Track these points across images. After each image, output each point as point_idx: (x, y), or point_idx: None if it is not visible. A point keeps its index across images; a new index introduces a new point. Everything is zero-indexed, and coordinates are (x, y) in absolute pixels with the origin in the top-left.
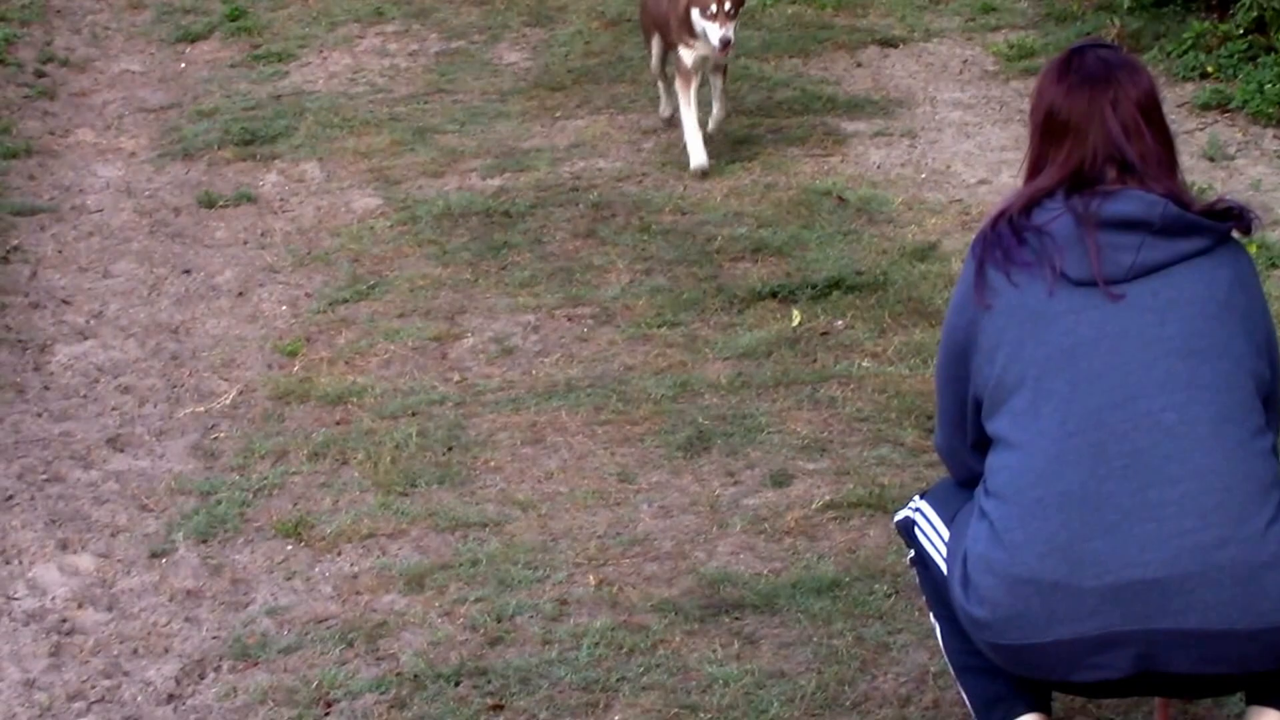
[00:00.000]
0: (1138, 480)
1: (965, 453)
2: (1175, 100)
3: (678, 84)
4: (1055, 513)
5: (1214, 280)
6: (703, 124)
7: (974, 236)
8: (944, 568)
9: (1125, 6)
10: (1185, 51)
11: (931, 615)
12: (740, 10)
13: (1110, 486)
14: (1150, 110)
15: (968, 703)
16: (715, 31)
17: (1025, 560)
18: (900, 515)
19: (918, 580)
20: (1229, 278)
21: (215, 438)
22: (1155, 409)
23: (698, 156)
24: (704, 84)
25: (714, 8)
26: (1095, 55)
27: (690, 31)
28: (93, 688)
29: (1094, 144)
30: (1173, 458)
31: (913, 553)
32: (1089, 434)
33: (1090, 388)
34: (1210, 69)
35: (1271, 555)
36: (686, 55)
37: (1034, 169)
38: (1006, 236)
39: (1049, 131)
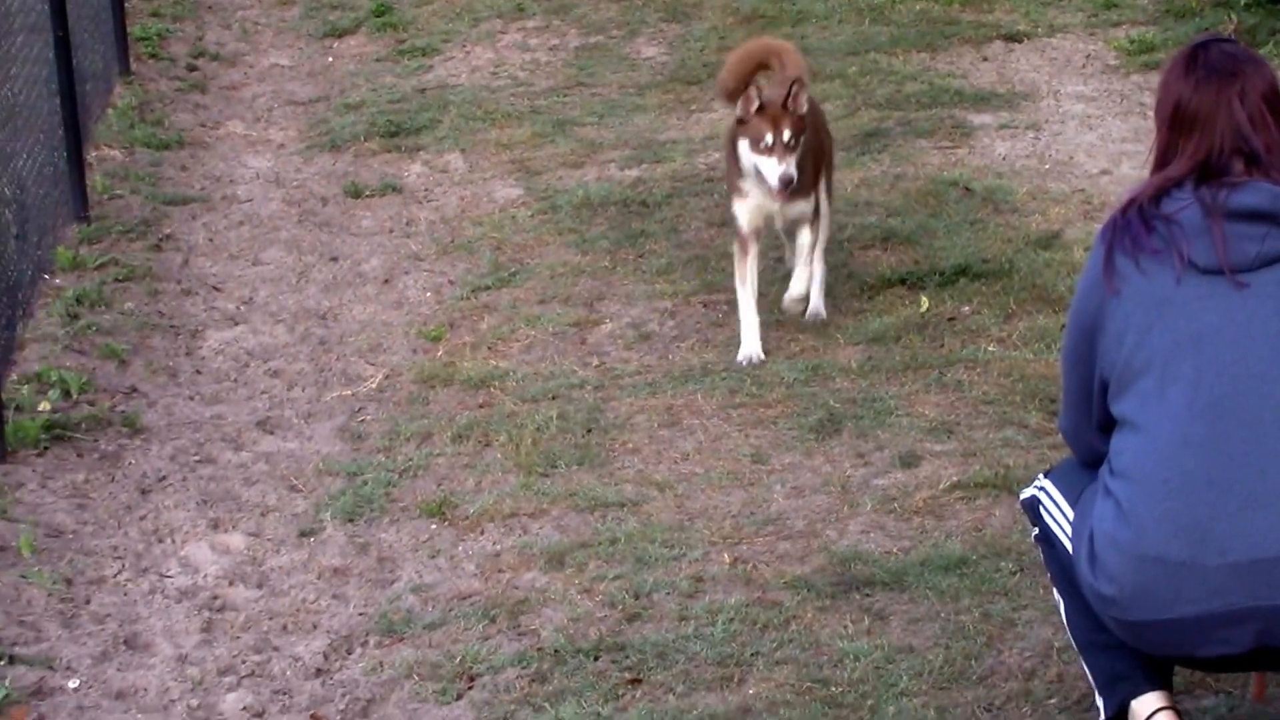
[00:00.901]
0: (1261, 464)
1: (1089, 434)
2: None
3: (735, 250)
4: (1181, 494)
5: None
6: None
7: (1103, 224)
8: (1069, 546)
9: (1242, 3)
10: None
11: (1056, 592)
12: (802, 139)
13: (1234, 470)
14: (1275, 103)
15: (1091, 679)
16: (773, 169)
17: (1152, 539)
18: (1025, 494)
19: (1042, 558)
20: None
21: (362, 420)
22: (1278, 395)
23: (748, 345)
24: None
25: (769, 137)
26: (1219, 49)
27: (740, 174)
28: (243, 663)
29: (1221, 135)
30: None
31: (1037, 530)
32: (1214, 418)
33: (1216, 373)
34: None
35: None
36: (741, 210)
37: (1161, 160)
38: (1136, 224)
39: (1177, 123)
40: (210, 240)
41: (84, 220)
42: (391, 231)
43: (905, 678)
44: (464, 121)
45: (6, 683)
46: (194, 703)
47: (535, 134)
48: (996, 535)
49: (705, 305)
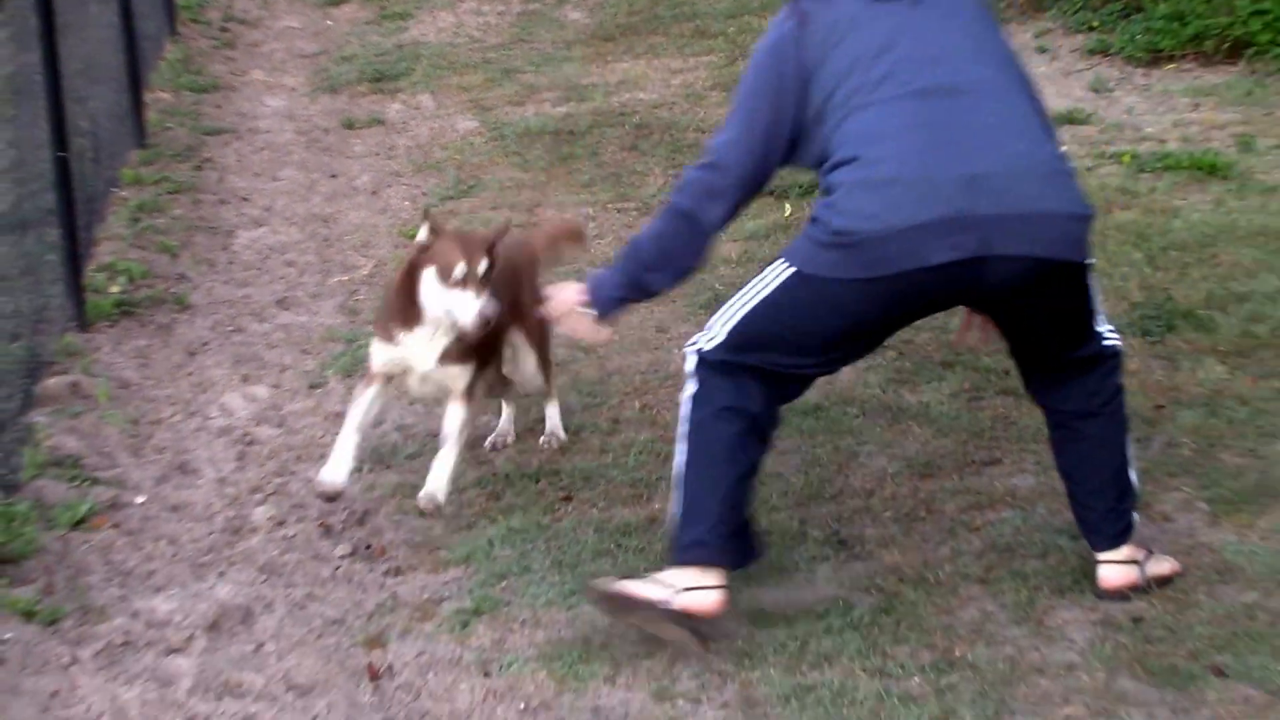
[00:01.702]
0: (968, 116)
1: (744, 154)
2: (1069, 47)
3: (359, 386)
4: (908, 138)
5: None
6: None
7: None
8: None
9: None
10: (1077, 10)
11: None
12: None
13: (947, 119)
14: None
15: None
16: (468, 305)
17: (888, 168)
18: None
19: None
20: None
21: (356, 299)
22: (968, 66)
23: (327, 471)
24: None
25: (461, 266)
26: None
27: (402, 315)
28: (268, 484)
29: None
30: (990, 98)
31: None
32: (922, 88)
33: (912, 58)
34: (1095, 24)
35: (1067, 169)
36: (379, 354)
37: None
38: None
39: None
40: (239, 162)
41: (143, 147)
42: (377, 155)
43: (775, 496)
44: (432, 70)
45: (90, 498)
46: (230, 514)
47: (487, 79)
48: (844, 387)
49: (619, 211)
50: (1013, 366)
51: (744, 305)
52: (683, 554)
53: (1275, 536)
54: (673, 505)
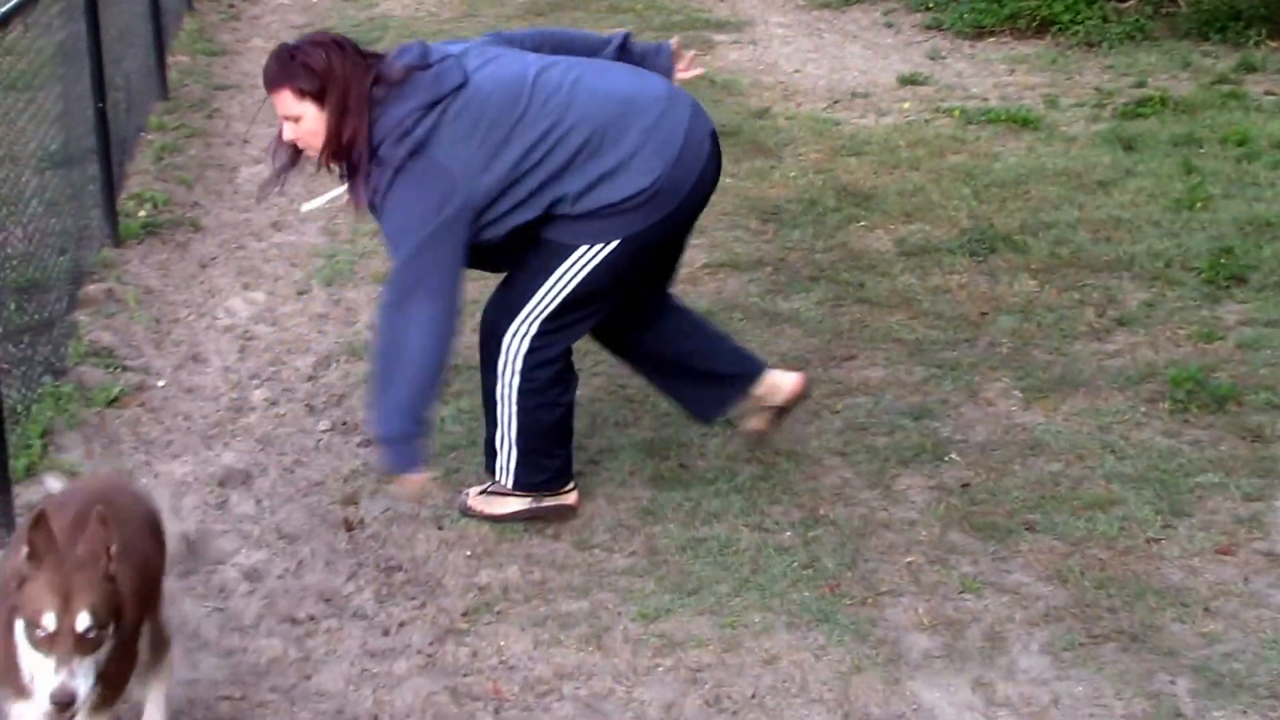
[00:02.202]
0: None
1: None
2: (910, 24)
3: None
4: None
5: None
6: None
7: None
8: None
9: None
10: None
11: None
12: (103, 641)
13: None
14: None
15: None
16: (46, 676)
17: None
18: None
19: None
20: None
21: (336, 222)
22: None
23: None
24: None
25: (48, 620)
26: None
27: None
28: (264, 371)
29: None
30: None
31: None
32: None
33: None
34: (930, 4)
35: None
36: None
37: None
38: None
39: None
40: (242, 111)
41: (165, 99)
42: None
43: None
44: (398, 38)
45: (121, 382)
46: (234, 395)
47: None
48: (730, 296)
49: None
50: (869, 279)
51: (557, 295)
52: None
53: (1075, 418)
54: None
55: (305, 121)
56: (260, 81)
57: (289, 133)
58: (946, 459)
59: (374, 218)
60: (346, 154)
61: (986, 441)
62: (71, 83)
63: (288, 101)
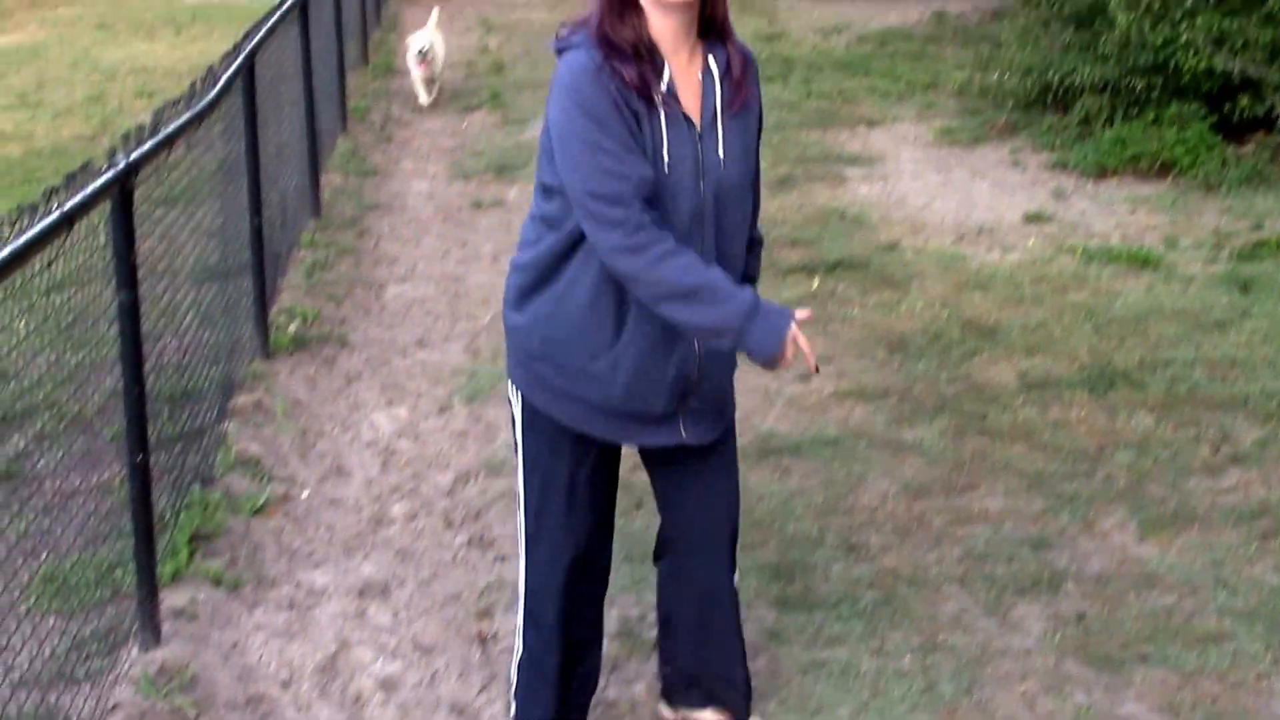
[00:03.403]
0: None
1: None
2: (1036, 163)
3: None
4: None
5: None
6: None
7: None
8: None
9: (1009, 106)
10: (1043, 134)
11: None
12: None
13: None
14: None
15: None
16: None
17: None
18: None
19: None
20: None
21: (478, 342)
22: None
23: None
24: None
25: None
26: None
27: None
28: (405, 485)
29: None
30: None
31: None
32: None
33: None
34: (1056, 144)
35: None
36: None
37: None
38: None
39: None
40: (391, 231)
41: (317, 217)
42: (498, 229)
43: (799, 509)
44: None
45: (267, 491)
46: (375, 508)
47: None
48: (856, 424)
49: None
50: (991, 411)
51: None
52: None
53: (1189, 552)
54: None
55: None
56: (412, 204)
57: None
58: (1063, 589)
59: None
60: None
61: (1102, 573)
62: (230, 199)
63: None
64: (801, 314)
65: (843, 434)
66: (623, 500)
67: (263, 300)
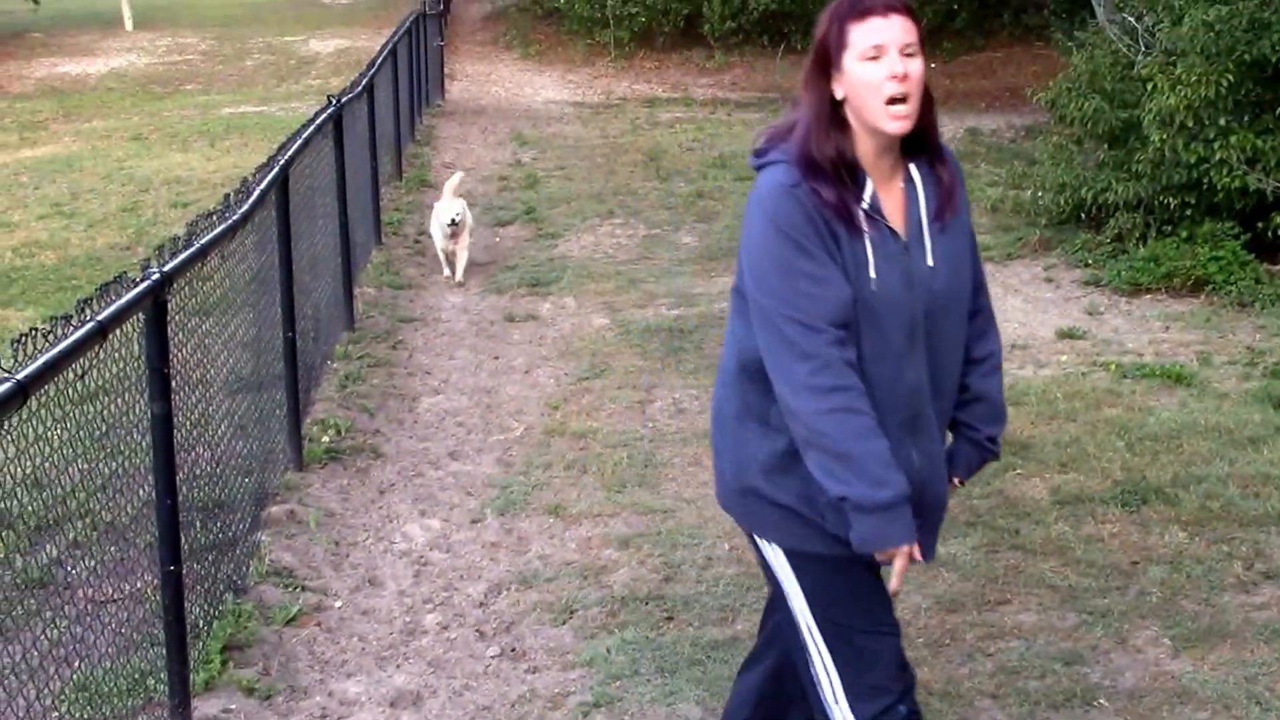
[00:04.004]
0: None
1: None
2: (1070, 279)
3: None
4: None
5: None
6: None
7: None
8: None
9: (1042, 223)
10: (1076, 251)
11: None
12: None
13: None
14: None
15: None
16: None
17: None
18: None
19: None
20: None
21: (510, 454)
22: None
23: None
24: None
25: None
26: None
27: None
28: (437, 596)
29: None
30: None
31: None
32: None
33: None
34: (1089, 261)
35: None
36: None
37: None
38: None
39: None
40: (425, 344)
41: (351, 329)
42: (531, 342)
43: None
44: (575, 278)
45: (300, 602)
46: (408, 619)
47: (617, 286)
48: None
49: None
50: (1024, 526)
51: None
52: None
53: (1222, 668)
54: None
55: (918, 64)
56: (445, 317)
57: (903, 66)
58: (1096, 704)
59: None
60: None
61: (1135, 688)
62: (263, 311)
63: (910, 30)
64: (912, 557)
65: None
66: (655, 613)
67: (296, 411)
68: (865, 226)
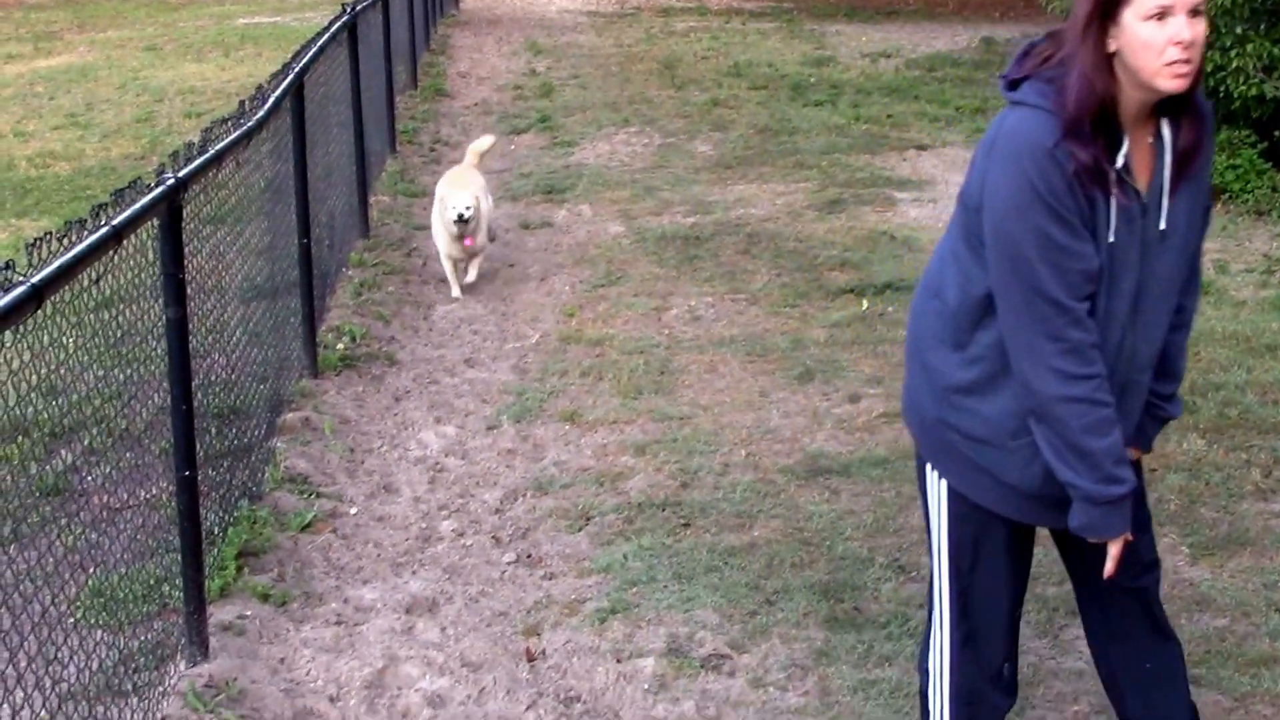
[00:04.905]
0: None
1: None
2: None
3: None
4: None
5: None
6: None
7: None
8: None
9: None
10: None
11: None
12: None
13: None
14: None
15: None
16: None
17: None
18: None
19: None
20: None
21: (526, 361)
22: None
23: None
24: None
25: None
26: None
27: None
28: (453, 503)
29: None
30: None
31: None
32: None
33: None
34: None
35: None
36: None
37: None
38: None
39: None
40: (438, 252)
41: (366, 237)
42: (546, 250)
43: (849, 529)
44: (590, 186)
45: (315, 508)
46: (423, 525)
47: (633, 195)
48: (906, 445)
49: (732, 301)
50: None
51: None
52: None
53: (1241, 575)
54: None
55: (1203, 25)
56: None
57: (1190, 32)
58: None
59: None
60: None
61: None
62: (278, 218)
63: None
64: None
65: (892, 455)
66: (671, 519)
67: (311, 319)
68: (1114, 189)
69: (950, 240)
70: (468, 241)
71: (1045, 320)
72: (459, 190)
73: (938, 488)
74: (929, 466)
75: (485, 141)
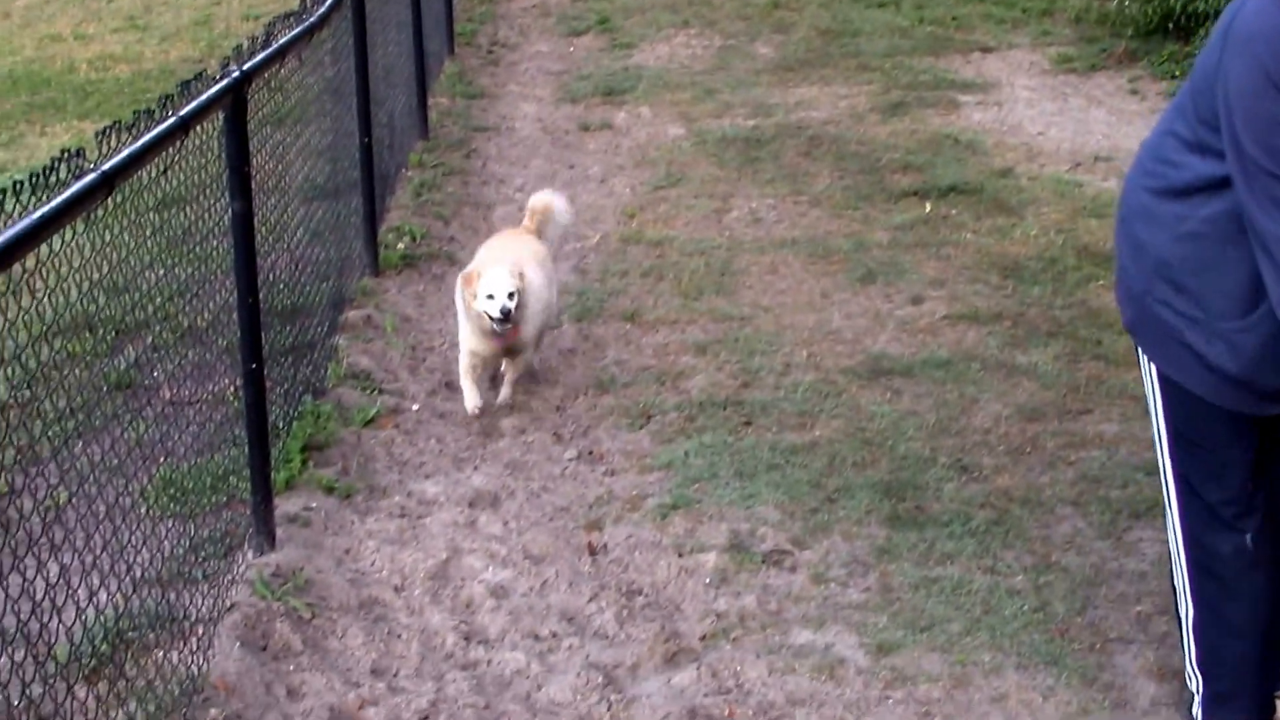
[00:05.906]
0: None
1: None
2: (1154, 91)
3: None
4: None
5: None
6: None
7: None
8: None
9: (1128, 34)
10: (1164, 62)
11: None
12: None
13: None
14: None
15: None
16: None
17: None
18: None
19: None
20: None
21: (586, 262)
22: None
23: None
24: None
25: None
26: None
27: None
28: (514, 401)
29: None
30: None
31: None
32: None
33: None
34: (1176, 73)
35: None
36: None
37: None
38: None
39: None
40: (498, 153)
41: (425, 139)
42: (605, 152)
43: (911, 429)
44: (650, 88)
45: (378, 404)
46: (484, 422)
47: (693, 96)
48: (969, 347)
49: (794, 203)
50: (1106, 337)
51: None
52: None
53: None
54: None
55: None
56: (519, 126)
57: None
58: None
59: None
60: None
61: None
62: (339, 118)
63: None
64: None
65: (955, 356)
66: (733, 418)
67: (372, 218)
68: None
69: (1168, 118)
70: (510, 335)
71: (1278, 201)
72: (496, 266)
73: (1149, 372)
74: (1139, 351)
75: (544, 199)
